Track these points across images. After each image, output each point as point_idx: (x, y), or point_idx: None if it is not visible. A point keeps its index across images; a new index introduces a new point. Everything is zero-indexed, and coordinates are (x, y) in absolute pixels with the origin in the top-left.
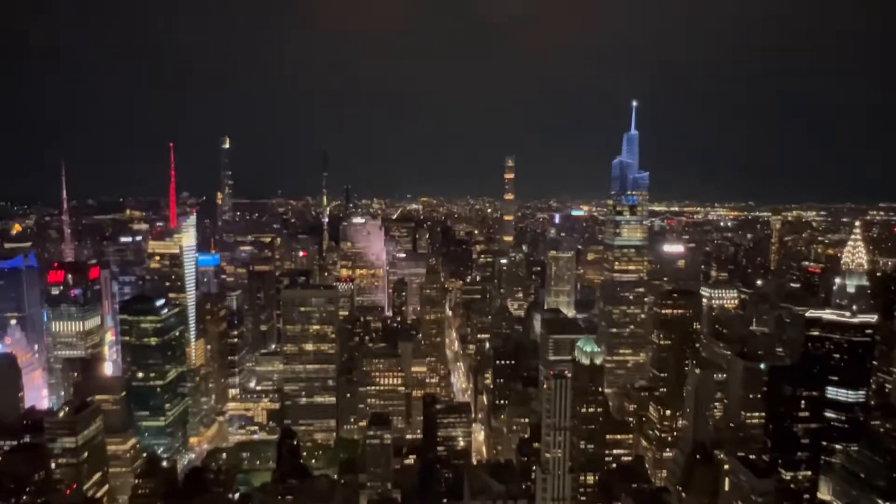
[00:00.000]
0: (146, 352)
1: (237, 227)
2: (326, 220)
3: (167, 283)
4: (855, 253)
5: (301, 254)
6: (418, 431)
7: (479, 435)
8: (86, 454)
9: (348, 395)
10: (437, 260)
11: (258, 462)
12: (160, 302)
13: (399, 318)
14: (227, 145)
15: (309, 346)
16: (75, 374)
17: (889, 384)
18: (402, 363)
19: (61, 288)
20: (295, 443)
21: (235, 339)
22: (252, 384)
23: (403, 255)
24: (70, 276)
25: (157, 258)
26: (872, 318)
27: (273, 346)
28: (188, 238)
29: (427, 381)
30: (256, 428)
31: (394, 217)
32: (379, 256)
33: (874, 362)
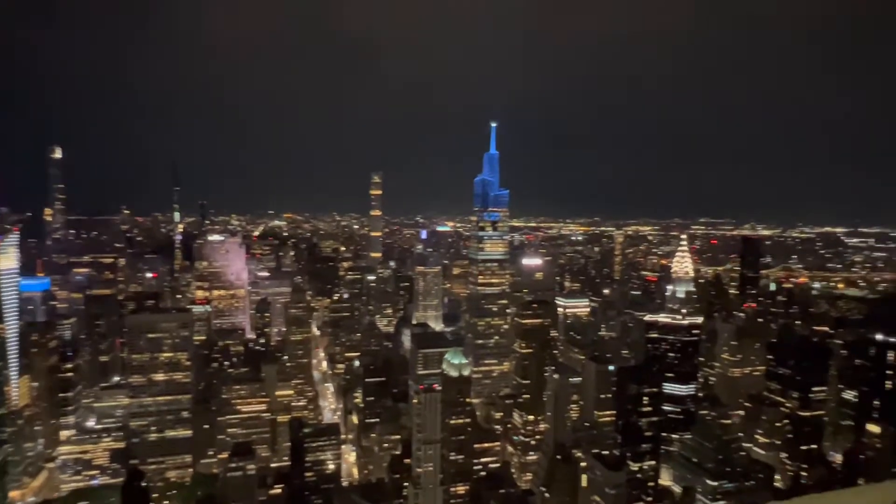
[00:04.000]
0: None
1: (71, 247)
2: (179, 237)
3: None
4: (682, 262)
5: (150, 275)
6: (285, 458)
7: (350, 456)
8: None
9: (206, 426)
10: (302, 278)
11: None
12: None
13: (262, 341)
14: (58, 155)
15: (159, 376)
16: None
17: (713, 377)
18: (266, 387)
19: None
20: (143, 484)
21: (69, 374)
22: (91, 423)
23: (267, 274)
24: None
25: None
26: (698, 319)
27: (116, 378)
28: (7, 260)
29: (293, 404)
30: (97, 472)
31: (255, 234)
32: (239, 276)
33: (701, 359)
